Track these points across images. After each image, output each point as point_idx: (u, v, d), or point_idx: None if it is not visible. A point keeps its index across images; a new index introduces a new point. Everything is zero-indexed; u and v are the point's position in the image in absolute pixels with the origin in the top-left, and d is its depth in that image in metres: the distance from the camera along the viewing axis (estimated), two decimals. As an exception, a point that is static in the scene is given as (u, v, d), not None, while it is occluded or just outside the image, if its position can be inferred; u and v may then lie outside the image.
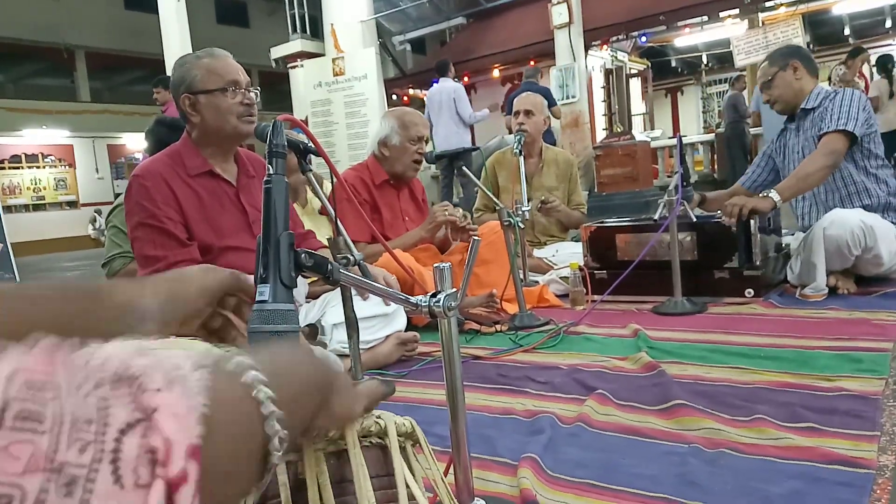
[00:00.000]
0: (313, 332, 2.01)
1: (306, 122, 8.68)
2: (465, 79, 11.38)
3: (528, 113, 3.41)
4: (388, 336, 2.07)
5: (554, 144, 5.57)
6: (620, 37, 11.33)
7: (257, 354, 0.45)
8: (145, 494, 0.30)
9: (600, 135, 10.45)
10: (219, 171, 1.89)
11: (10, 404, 0.28)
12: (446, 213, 2.68)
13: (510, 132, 5.91)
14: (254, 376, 0.41)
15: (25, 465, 0.27)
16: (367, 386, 0.65)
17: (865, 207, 2.53)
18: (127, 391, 0.32)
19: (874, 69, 7.54)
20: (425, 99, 7.65)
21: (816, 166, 2.48)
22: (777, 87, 2.72)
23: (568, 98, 9.55)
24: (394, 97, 12.54)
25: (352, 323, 1.57)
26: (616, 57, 12.00)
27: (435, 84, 7.30)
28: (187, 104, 1.84)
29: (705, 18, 11.02)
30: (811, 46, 14.21)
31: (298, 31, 10.31)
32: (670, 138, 11.44)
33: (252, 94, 1.86)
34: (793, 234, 2.88)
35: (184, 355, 0.37)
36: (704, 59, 17.66)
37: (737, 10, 10.32)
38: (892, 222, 2.50)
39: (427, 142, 2.83)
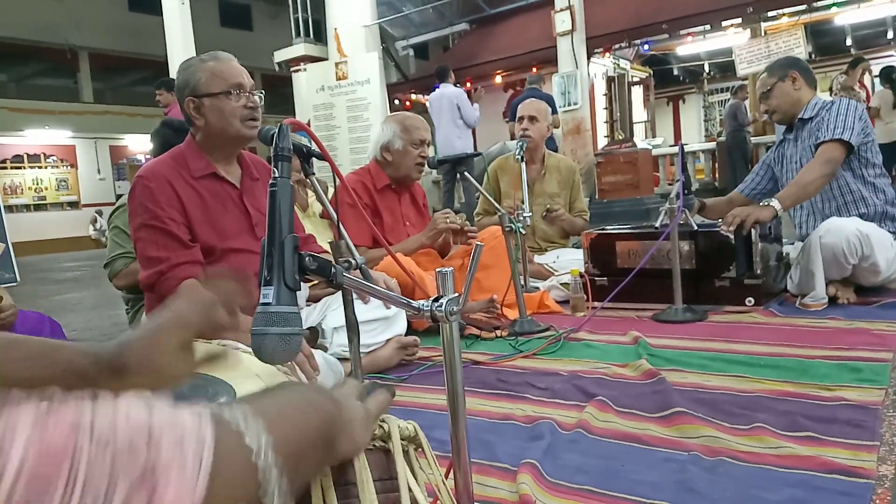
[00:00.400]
0: (314, 335, 2.01)
1: (309, 125, 8.69)
2: (468, 84, 11.40)
3: (532, 119, 3.42)
4: (388, 340, 2.07)
5: (556, 151, 5.59)
6: (623, 45, 11.35)
7: (264, 407, 0.47)
8: None
9: (602, 142, 10.46)
10: (222, 174, 1.89)
11: (22, 473, 0.30)
12: (447, 220, 2.69)
13: (513, 138, 5.92)
14: (258, 442, 0.43)
15: None
16: (376, 402, 0.65)
17: (862, 216, 2.53)
18: (136, 462, 0.34)
19: (876, 80, 7.56)
20: (427, 104, 7.68)
21: (814, 175, 2.50)
22: (775, 97, 2.74)
23: (570, 105, 9.57)
24: (396, 102, 12.56)
25: (352, 326, 1.57)
26: (618, 64, 12.02)
27: (436, 89, 7.33)
28: (191, 107, 1.84)
29: (708, 27, 11.05)
30: (813, 56, 14.25)
31: (302, 34, 10.33)
32: (672, 146, 11.46)
33: (256, 98, 1.86)
34: (793, 244, 2.88)
35: (193, 418, 0.38)
36: (706, 68, 17.69)
37: (739, 20, 10.34)
38: (890, 231, 2.50)
39: (429, 146, 2.83)
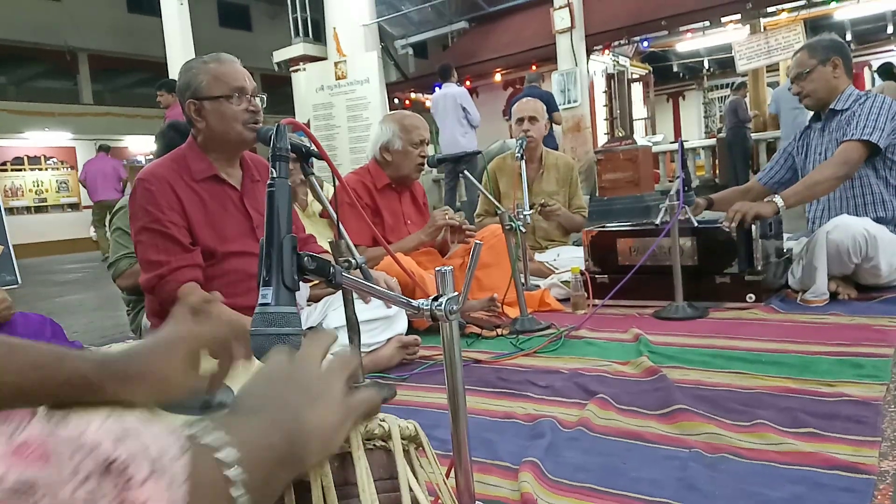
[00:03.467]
0: (315, 335, 2.00)
1: (308, 125, 8.69)
2: (468, 83, 11.40)
3: (532, 119, 3.42)
4: (389, 339, 2.07)
5: (556, 149, 5.59)
6: (622, 42, 11.34)
7: (233, 427, 0.45)
8: None
9: (602, 139, 10.45)
10: (224, 176, 1.89)
11: None
12: (446, 216, 2.69)
13: (512, 138, 5.92)
14: (227, 455, 0.43)
15: None
16: (361, 400, 0.59)
17: (879, 220, 2.46)
18: (114, 485, 0.34)
19: (875, 74, 7.55)
20: (430, 104, 7.69)
21: (826, 175, 2.43)
22: (813, 80, 2.58)
23: (570, 102, 9.57)
24: (395, 101, 12.56)
25: (353, 326, 1.58)
26: (618, 62, 12.00)
27: (438, 88, 7.33)
28: (192, 109, 1.84)
29: (707, 23, 11.04)
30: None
31: (301, 34, 10.32)
32: (672, 143, 11.45)
33: (258, 101, 1.86)
34: (796, 239, 2.86)
35: (168, 436, 0.38)
36: (706, 64, 17.67)
37: (738, 16, 10.34)
38: None
39: (428, 144, 2.83)
